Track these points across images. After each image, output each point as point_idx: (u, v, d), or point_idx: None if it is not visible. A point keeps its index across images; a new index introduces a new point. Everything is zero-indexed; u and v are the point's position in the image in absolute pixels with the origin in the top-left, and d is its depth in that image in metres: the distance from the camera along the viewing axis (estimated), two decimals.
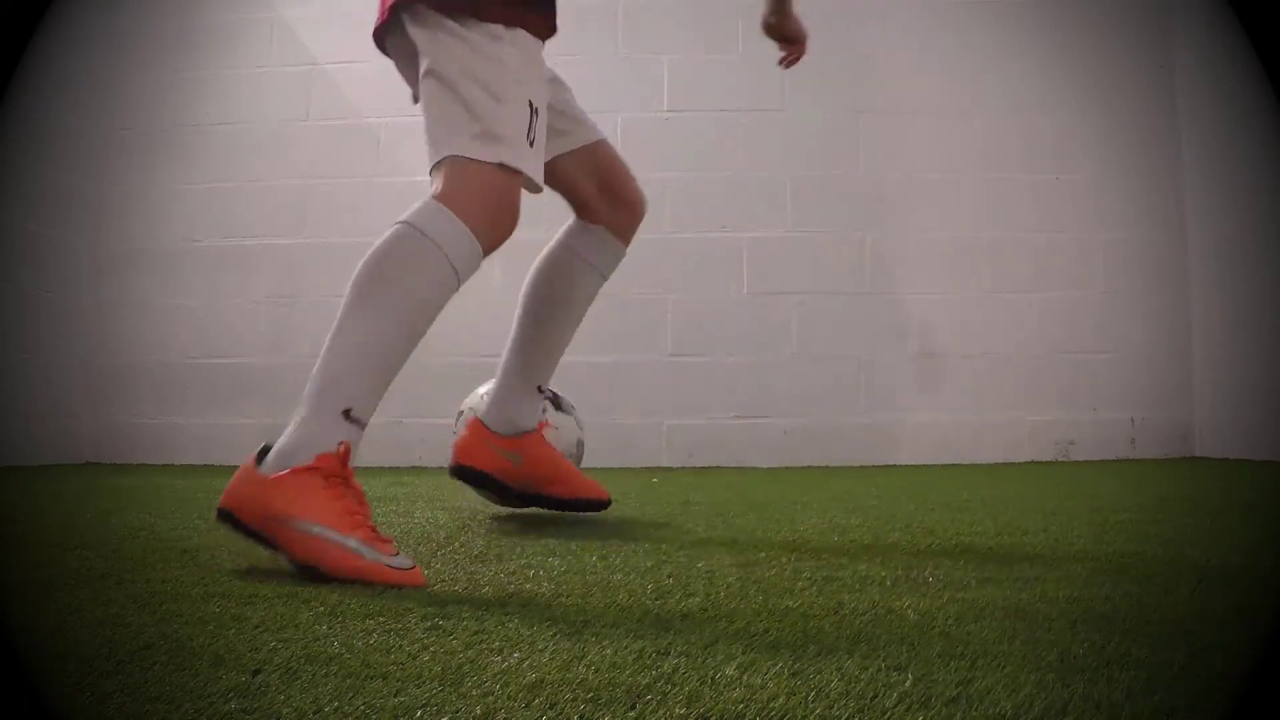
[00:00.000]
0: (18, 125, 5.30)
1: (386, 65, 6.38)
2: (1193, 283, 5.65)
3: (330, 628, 1.32)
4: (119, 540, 2.19)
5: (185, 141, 6.00)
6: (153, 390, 5.87)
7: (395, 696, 1.01)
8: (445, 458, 5.60)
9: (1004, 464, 5.37)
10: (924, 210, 5.77)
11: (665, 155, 5.77)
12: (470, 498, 3.29)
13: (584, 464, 5.50)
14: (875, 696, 1.00)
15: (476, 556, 1.96)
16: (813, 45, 5.78)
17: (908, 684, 1.04)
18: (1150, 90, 5.79)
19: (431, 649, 1.21)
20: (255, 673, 1.09)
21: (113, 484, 4.13)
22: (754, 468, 5.38)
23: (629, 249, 2.97)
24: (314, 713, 0.96)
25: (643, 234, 5.85)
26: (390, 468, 5.47)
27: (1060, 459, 5.55)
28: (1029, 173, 5.73)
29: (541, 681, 1.05)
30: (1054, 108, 5.77)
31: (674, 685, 1.04)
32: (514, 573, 1.76)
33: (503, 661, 1.14)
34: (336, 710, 0.97)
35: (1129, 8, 5.83)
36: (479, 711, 0.96)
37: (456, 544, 2.14)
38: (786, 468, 5.35)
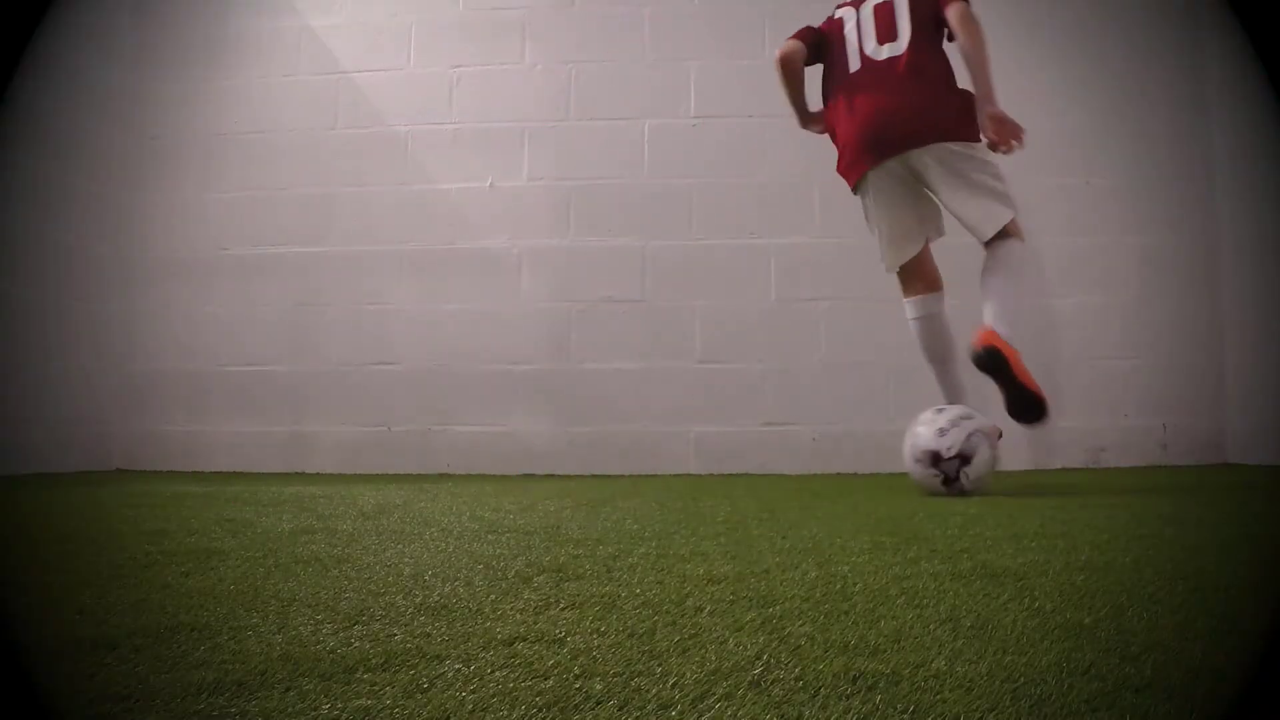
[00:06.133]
0: (50, 136, 5.37)
1: (412, 74, 6.39)
2: (1224, 287, 5.58)
3: (330, 628, 1.32)
4: (135, 545, 2.20)
5: (214, 150, 6.06)
6: (182, 398, 5.92)
7: (393, 697, 1.01)
8: (471, 466, 5.62)
9: (1034, 470, 5.31)
10: (951, 215, 5.71)
11: (692, 162, 5.77)
12: (494, 506, 3.30)
13: (619, 471, 5.51)
14: (876, 698, 0.98)
15: (479, 558, 1.96)
16: None
17: (910, 688, 1.02)
18: (1182, 92, 5.73)
19: (435, 646, 1.20)
20: (253, 672, 1.10)
21: (142, 490, 4.17)
22: (783, 475, 5.35)
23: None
24: (311, 712, 0.97)
25: (670, 241, 5.87)
26: (417, 474, 5.49)
27: (1091, 465, 5.49)
28: (1058, 176, 5.67)
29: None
30: (1083, 110, 5.71)
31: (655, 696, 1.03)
32: (517, 571, 1.76)
33: (500, 663, 1.14)
34: (333, 710, 0.97)
35: (1160, 9, 5.77)
36: (475, 702, 0.95)
37: (469, 549, 2.14)
38: (816, 475, 5.32)
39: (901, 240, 4.16)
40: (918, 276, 4.22)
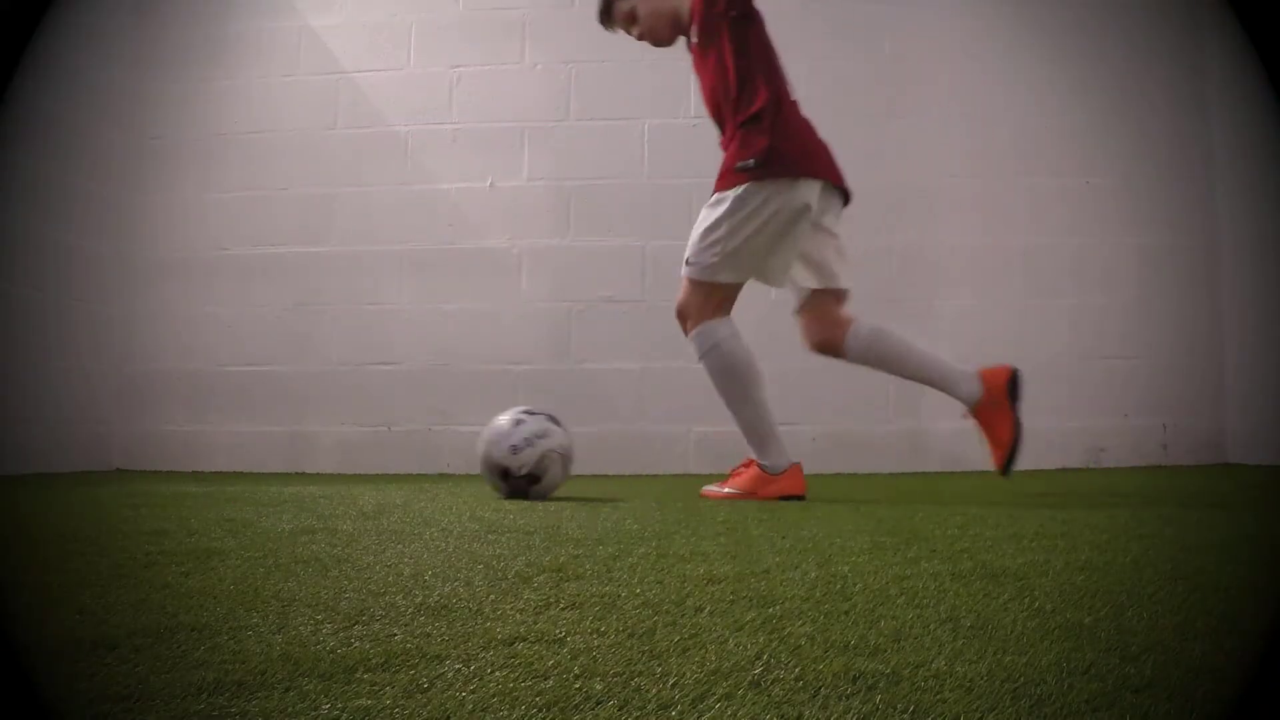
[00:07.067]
0: (50, 136, 5.37)
1: (412, 74, 6.38)
2: (1224, 287, 5.58)
3: (330, 628, 1.32)
4: (135, 545, 2.20)
5: (214, 150, 6.07)
6: (182, 397, 5.92)
7: (389, 698, 1.01)
8: (472, 466, 5.64)
9: (1033, 471, 5.31)
10: (953, 215, 5.73)
11: (691, 162, 5.75)
12: (494, 506, 3.31)
13: (619, 471, 5.51)
14: (876, 698, 0.98)
15: (478, 558, 1.96)
16: (840, 49, 5.80)
17: (910, 688, 1.02)
18: (1182, 92, 5.73)
19: (435, 646, 1.21)
20: (253, 672, 1.10)
21: (142, 490, 4.16)
22: None
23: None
24: (311, 712, 0.97)
25: (670, 241, 5.86)
26: (417, 474, 5.48)
27: (1091, 465, 5.48)
28: (1058, 176, 5.68)
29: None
30: (1083, 110, 5.72)
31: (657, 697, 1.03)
32: (517, 571, 1.75)
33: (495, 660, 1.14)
34: (333, 710, 0.97)
35: (1160, 9, 5.78)
36: (475, 702, 0.95)
37: (474, 547, 2.14)
38: (816, 475, 5.31)
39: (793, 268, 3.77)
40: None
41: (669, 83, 5.85)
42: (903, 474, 5.33)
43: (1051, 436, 5.53)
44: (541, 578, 1.75)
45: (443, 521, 2.75)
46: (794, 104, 3.72)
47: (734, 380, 3.70)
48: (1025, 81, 5.80)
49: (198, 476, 5.23)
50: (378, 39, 6.03)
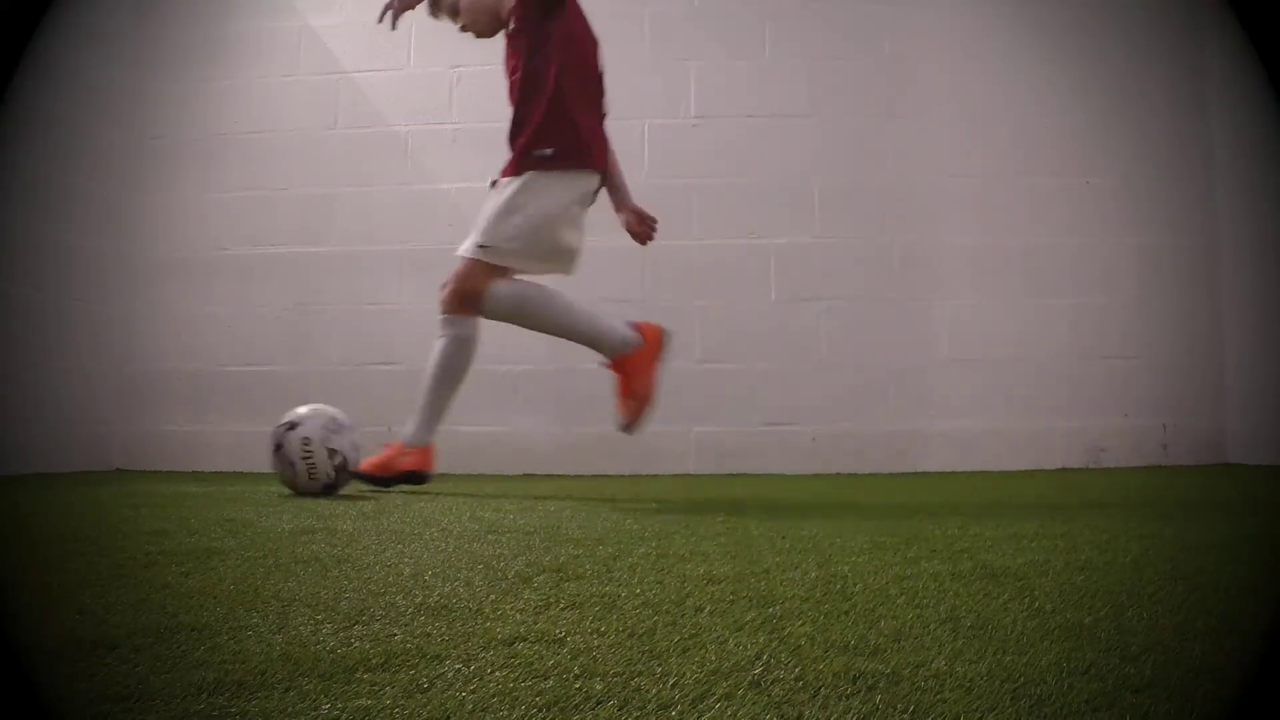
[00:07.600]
0: (50, 136, 5.36)
1: (412, 74, 6.37)
2: (1224, 287, 5.58)
3: (330, 628, 1.32)
4: (135, 545, 2.20)
5: (214, 150, 6.06)
6: (182, 397, 5.91)
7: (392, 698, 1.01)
8: (471, 466, 5.65)
9: (1033, 470, 5.31)
10: (953, 215, 5.72)
11: (692, 161, 5.76)
12: (494, 506, 3.31)
13: (619, 471, 5.51)
14: (876, 698, 0.98)
15: (479, 558, 1.96)
16: (842, 49, 5.80)
17: (910, 688, 1.02)
18: (1182, 92, 5.73)
19: (435, 646, 1.20)
20: (253, 672, 1.10)
21: (142, 490, 4.16)
22: (783, 475, 5.35)
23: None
24: (311, 712, 0.97)
25: (670, 241, 5.88)
26: None
27: (1091, 465, 5.48)
28: (1058, 176, 5.67)
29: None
30: (1083, 110, 5.71)
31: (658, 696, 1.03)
32: (517, 571, 1.75)
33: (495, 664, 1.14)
34: (333, 710, 0.97)
35: (1160, 9, 5.77)
36: (475, 702, 0.95)
37: (474, 548, 2.14)
38: (816, 475, 5.32)
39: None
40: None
41: (669, 83, 5.85)
42: (903, 474, 5.33)
43: (1051, 436, 5.53)
44: (541, 578, 1.75)
45: (443, 521, 2.75)
46: (594, 97, 3.94)
47: (533, 305, 3.85)
48: (1025, 81, 5.80)
49: (198, 476, 5.22)
50: (378, 39, 5.98)
